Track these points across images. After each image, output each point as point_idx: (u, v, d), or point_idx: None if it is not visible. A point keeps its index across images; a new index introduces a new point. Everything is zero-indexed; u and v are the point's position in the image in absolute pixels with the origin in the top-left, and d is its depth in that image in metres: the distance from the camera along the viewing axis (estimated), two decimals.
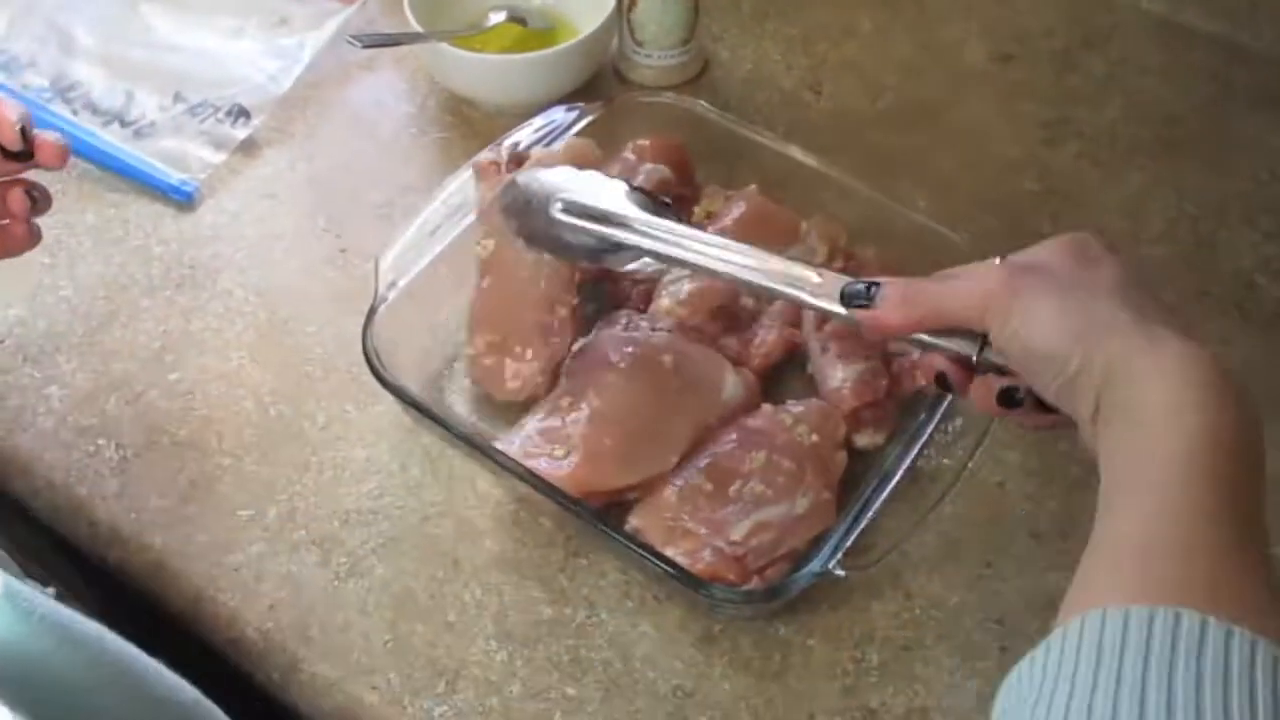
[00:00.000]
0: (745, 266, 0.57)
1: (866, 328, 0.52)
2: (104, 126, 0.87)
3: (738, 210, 0.76)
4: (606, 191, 0.65)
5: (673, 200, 0.78)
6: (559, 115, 0.79)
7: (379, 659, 0.62)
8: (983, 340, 0.49)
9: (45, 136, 0.60)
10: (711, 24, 0.96)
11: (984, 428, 0.64)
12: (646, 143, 0.79)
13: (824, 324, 0.70)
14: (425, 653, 0.62)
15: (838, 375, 0.68)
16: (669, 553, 0.61)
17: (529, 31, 0.91)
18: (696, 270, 0.61)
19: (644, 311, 0.73)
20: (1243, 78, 0.93)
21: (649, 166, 0.78)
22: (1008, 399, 0.50)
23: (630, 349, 0.68)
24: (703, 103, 0.80)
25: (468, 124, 0.89)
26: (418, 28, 0.85)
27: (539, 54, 0.85)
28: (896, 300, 0.50)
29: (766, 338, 0.70)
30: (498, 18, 0.90)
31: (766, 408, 0.68)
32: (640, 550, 0.60)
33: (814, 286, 0.54)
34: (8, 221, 0.62)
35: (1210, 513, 0.39)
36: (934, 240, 0.73)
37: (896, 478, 0.63)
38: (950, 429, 0.65)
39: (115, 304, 0.78)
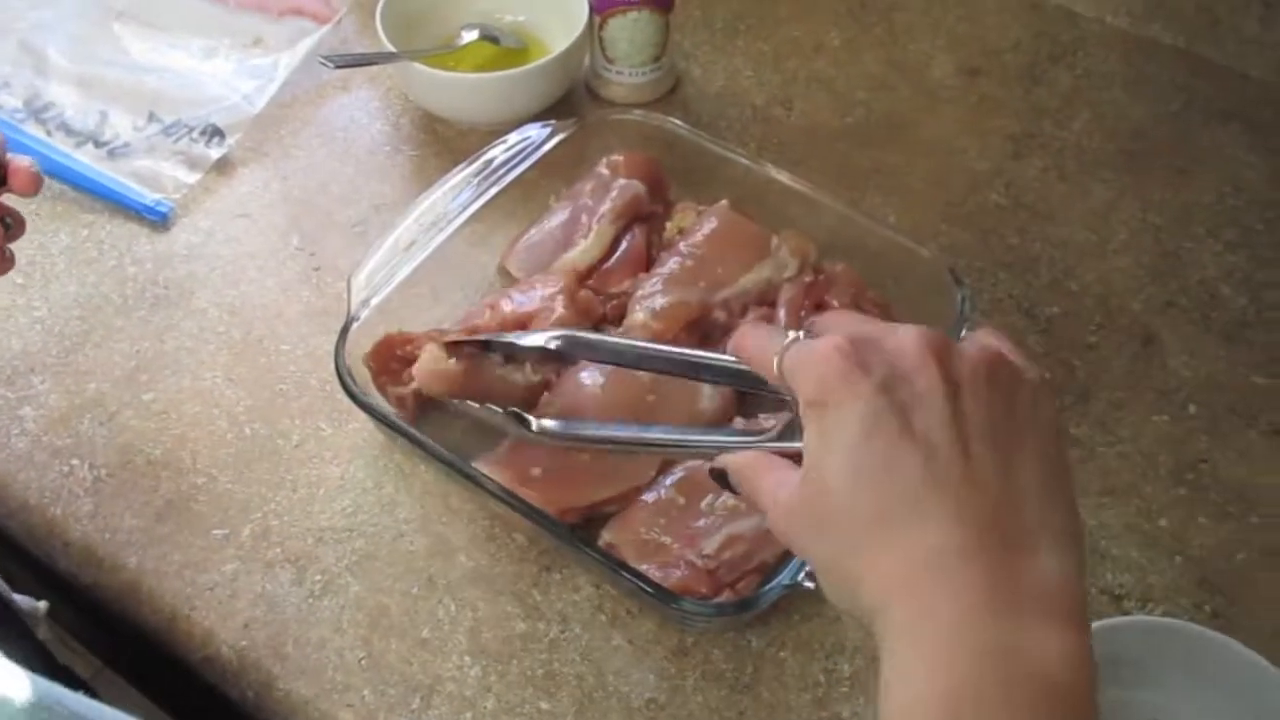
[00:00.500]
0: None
1: None
2: (78, 147, 0.87)
3: (709, 226, 0.77)
4: None
5: (645, 216, 0.79)
6: (532, 132, 0.79)
7: (354, 676, 0.62)
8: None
9: (19, 162, 0.60)
10: (683, 41, 0.97)
11: None
12: (620, 159, 0.80)
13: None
14: (400, 669, 0.63)
15: None
16: (642, 567, 0.62)
17: (501, 50, 0.91)
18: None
19: (618, 326, 0.73)
20: (1206, 91, 0.94)
21: (623, 182, 0.79)
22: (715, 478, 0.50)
23: (607, 369, 0.68)
24: (674, 120, 0.81)
25: (441, 142, 0.90)
26: (390, 47, 0.86)
27: (511, 72, 0.85)
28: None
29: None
30: (470, 36, 0.91)
31: (739, 421, 0.68)
32: (612, 565, 0.61)
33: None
34: None
35: None
36: (903, 254, 0.74)
37: None
38: None
39: (89, 324, 0.78)
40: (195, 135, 0.87)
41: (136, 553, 0.67)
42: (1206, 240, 0.84)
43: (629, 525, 0.64)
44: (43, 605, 0.71)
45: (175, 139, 0.87)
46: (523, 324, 0.70)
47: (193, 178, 0.85)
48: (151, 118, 0.88)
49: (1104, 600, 0.65)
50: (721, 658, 0.63)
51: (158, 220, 0.83)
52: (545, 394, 0.68)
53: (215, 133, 0.87)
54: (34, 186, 0.61)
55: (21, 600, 0.70)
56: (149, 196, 0.84)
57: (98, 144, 0.87)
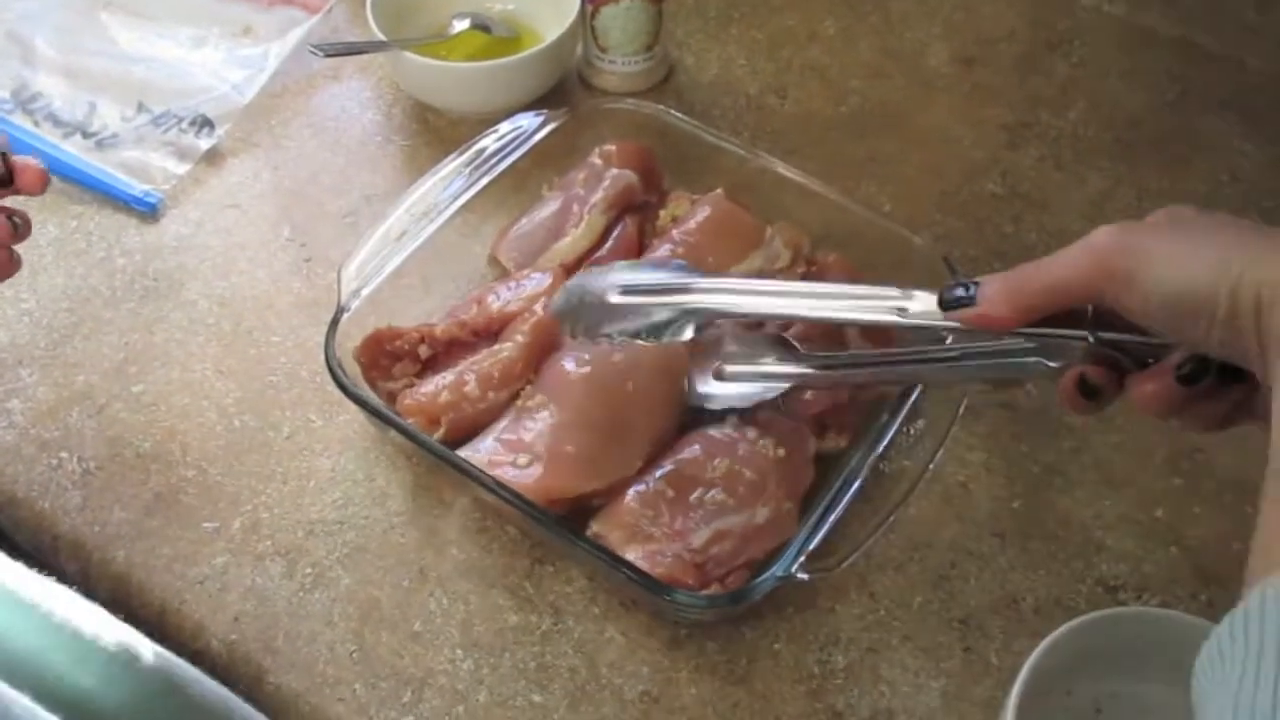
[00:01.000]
0: (829, 304, 0.54)
1: (976, 326, 0.47)
2: (66, 138, 0.86)
3: (702, 214, 0.76)
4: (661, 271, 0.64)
5: (638, 206, 0.78)
6: (524, 122, 0.79)
7: (345, 669, 0.62)
8: (1092, 323, 0.44)
9: (26, 161, 0.60)
10: (676, 29, 0.96)
11: (945, 428, 0.64)
12: (613, 148, 0.79)
13: (786, 329, 0.70)
14: (391, 662, 0.62)
15: None
16: (628, 556, 0.61)
17: (493, 39, 0.91)
18: (776, 318, 0.58)
19: None
20: (1202, 79, 0.94)
21: (615, 172, 0.78)
22: (1193, 375, 0.42)
23: (588, 355, 0.68)
24: (667, 108, 0.81)
25: (433, 131, 0.89)
26: (381, 36, 0.85)
27: (503, 61, 0.85)
28: (1001, 291, 0.46)
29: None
30: (461, 25, 0.90)
31: (731, 418, 0.68)
32: (606, 557, 0.60)
33: (911, 306, 0.50)
34: None
35: None
36: (897, 243, 0.74)
37: (859, 480, 0.63)
38: (912, 430, 0.66)
39: (78, 316, 0.77)
40: (184, 125, 0.87)
41: (125, 546, 0.67)
42: None
43: (617, 516, 0.64)
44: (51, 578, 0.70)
45: (164, 129, 0.86)
46: (507, 323, 0.70)
47: (182, 168, 0.85)
48: (140, 108, 0.88)
49: (1099, 591, 0.65)
50: (715, 650, 0.63)
51: (147, 211, 0.83)
52: (528, 385, 0.68)
53: (205, 123, 0.87)
54: (41, 185, 0.61)
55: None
56: (138, 187, 0.83)
57: (86, 135, 0.86)
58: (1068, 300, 0.44)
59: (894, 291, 0.51)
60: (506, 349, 0.68)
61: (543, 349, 0.69)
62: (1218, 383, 0.43)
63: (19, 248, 0.63)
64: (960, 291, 0.47)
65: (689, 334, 0.59)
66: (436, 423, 0.66)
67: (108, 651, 0.57)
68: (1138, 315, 0.42)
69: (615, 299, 0.62)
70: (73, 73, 0.89)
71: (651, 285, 0.61)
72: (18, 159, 0.60)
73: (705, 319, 0.59)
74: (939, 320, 0.49)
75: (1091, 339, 0.45)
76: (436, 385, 0.67)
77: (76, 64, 0.90)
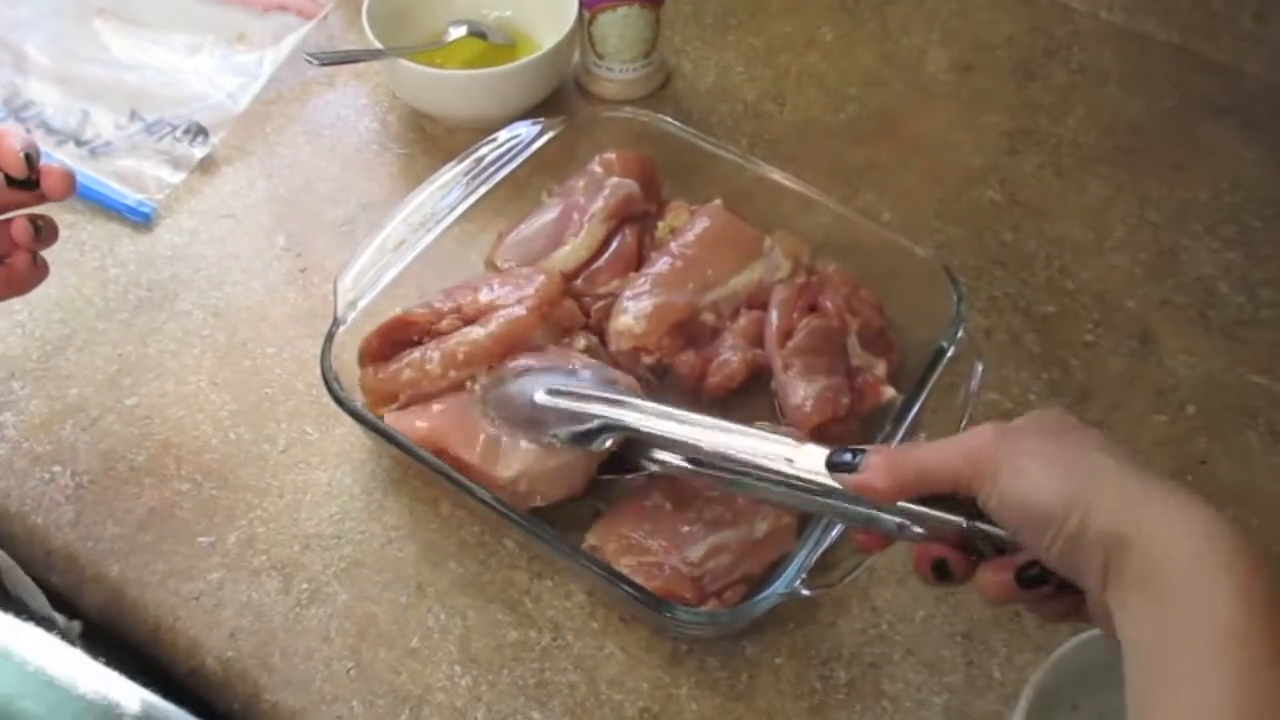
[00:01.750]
0: (727, 440, 0.56)
1: (853, 493, 0.50)
2: (59, 146, 0.85)
3: (701, 226, 0.76)
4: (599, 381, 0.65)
5: (638, 216, 0.78)
6: (522, 130, 0.78)
7: (342, 687, 0.61)
8: (972, 512, 0.47)
9: (50, 166, 0.59)
10: (674, 36, 0.96)
11: None
12: (614, 156, 0.79)
13: (786, 341, 0.70)
14: (389, 679, 0.62)
15: (800, 392, 0.67)
16: (624, 568, 0.60)
17: (490, 46, 0.90)
18: (675, 446, 0.60)
19: (602, 329, 0.72)
20: (1201, 86, 0.93)
21: (616, 180, 0.77)
22: (1029, 578, 0.45)
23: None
24: (664, 117, 0.80)
25: (429, 140, 0.88)
26: (377, 44, 0.84)
27: (500, 69, 0.84)
28: (882, 465, 0.48)
29: (730, 359, 0.70)
30: (458, 33, 0.89)
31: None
32: (606, 573, 0.60)
33: (798, 458, 0.53)
34: (10, 258, 0.61)
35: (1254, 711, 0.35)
36: (897, 252, 0.73)
37: None
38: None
39: (71, 327, 0.76)
40: (178, 134, 0.86)
41: (119, 561, 0.66)
42: (1204, 237, 0.83)
43: (614, 528, 0.63)
44: (76, 625, 0.68)
45: (158, 138, 0.86)
46: (480, 315, 0.69)
47: (176, 177, 0.84)
48: (134, 116, 0.87)
49: None
50: (716, 665, 0.62)
51: (141, 221, 0.82)
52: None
53: (199, 131, 0.86)
54: (67, 190, 0.60)
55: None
56: (131, 197, 0.82)
57: (79, 143, 0.85)
58: (939, 487, 0.47)
59: (788, 442, 0.54)
60: (477, 333, 0.67)
61: (516, 345, 0.68)
62: (1056, 589, 0.45)
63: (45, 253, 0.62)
64: (847, 457, 0.49)
65: (608, 444, 0.62)
66: (394, 397, 0.66)
67: (86, 700, 0.52)
68: (993, 514, 0.45)
69: (541, 399, 0.63)
70: (65, 80, 0.89)
71: (576, 393, 0.63)
72: (44, 164, 0.59)
73: (621, 435, 0.61)
74: (821, 477, 0.51)
75: (965, 524, 0.47)
76: (399, 362, 0.67)
77: (69, 71, 0.89)
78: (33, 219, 0.60)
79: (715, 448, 0.57)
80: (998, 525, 0.46)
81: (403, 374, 0.66)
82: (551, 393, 0.64)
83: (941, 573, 0.48)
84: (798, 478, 0.52)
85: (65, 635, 0.66)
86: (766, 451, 0.54)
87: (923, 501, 0.48)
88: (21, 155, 0.58)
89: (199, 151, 0.85)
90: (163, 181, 0.84)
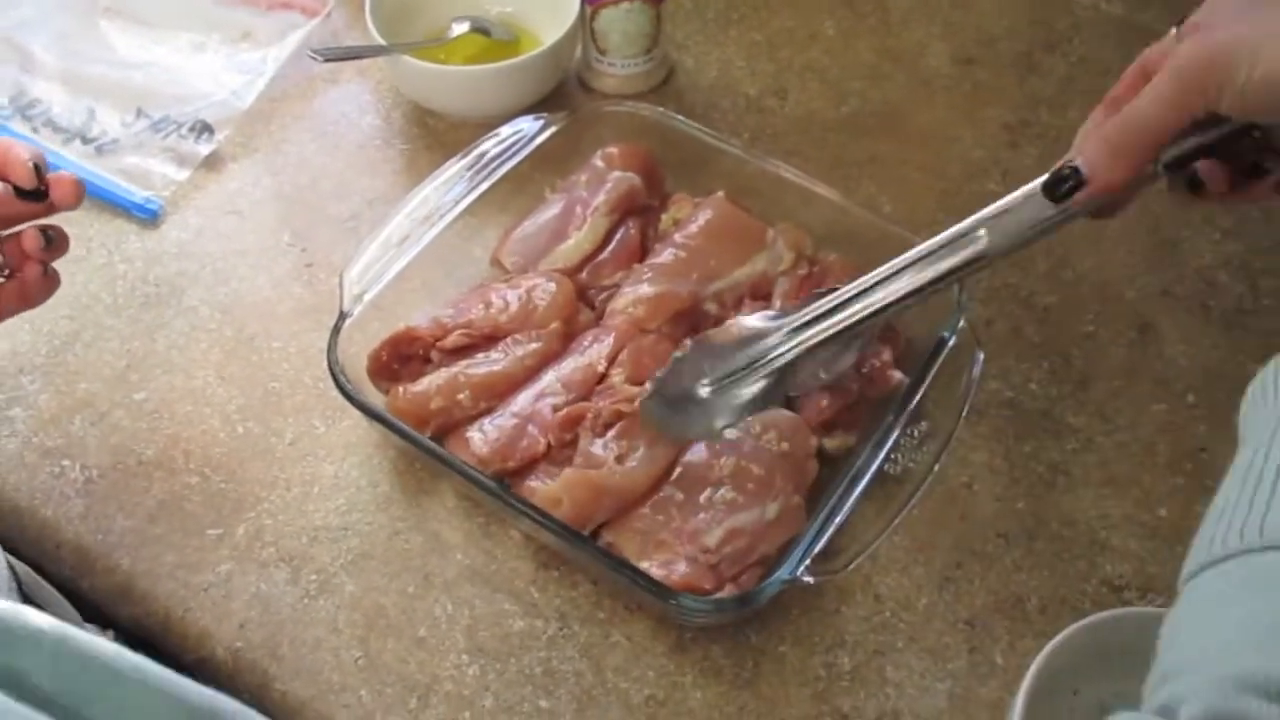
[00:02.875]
0: (915, 268, 0.56)
1: (1097, 201, 0.46)
2: (65, 144, 0.86)
3: (704, 217, 0.76)
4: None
5: (640, 209, 0.78)
6: (524, 125, 0.79)
7: (350, 676, 0.62)
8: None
9: (59, 175, 0.59)
10: (675, 31, 0.96)
11: (950, 429, 0.64)
12: (616, 150, 0.79)
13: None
14: (397, 669, 0.62)
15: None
16: (644, 565, 0.61)
17: (492, 42, 0.90)
18: (873, 320, 0.60)
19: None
20: None
21: (618, 174, 0.78)
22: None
23: None
24: (667, 111, 0.81)
25: (433, 135, 0.89)
26: (380, 40, 0.85)
27: (502, 65, 0.85)
28: (1106, 155, 0.45)
29: None
30: (460, 29, 0.90)
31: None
32: (611, 562, 0.60)
33: (993, 225, 0.51)
34: (21, 270, 0.60)
35: None
36: (898, 245, 0.73)
37: (865, 481, 0.63)
38: (916, 432, 0.65)
39: (79, 323, 0.77)
40: (184, 131, 0.87)
41: (129, 554, 0.66)
42: (1203, 228, 0.83)
43: (629, 524, 0.64)
44: (110, 636, 0.68)
45: (164, 135, 0.86)
46: (511, 331, 0.70)
47: (182, 174, 0.85)
48: (139, 114, 0.87)
49: (1104, 591, 0.65)
50: (720, 654, 0.63)
51: (147, 218, 0.83)
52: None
53: (204, 128, 0.87)
54: (76, 198, 0.60)
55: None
56: (138, 194, 0.83)
57: (85, 141, 0.86)
58: (1171, 134, 0.44)
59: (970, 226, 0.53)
60: (507, 363, 0.68)
61: (544, 366, 0.69)
62: None
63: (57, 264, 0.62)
64: (1063, 174, 0.47)
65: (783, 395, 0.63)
66: (425, 423, 0.66)
67: None
68: (1249, 98, 0.42)
69: (706, 395, 0.64)
70: (71, 79, 0.89)
71: (734, 368, 0.63)
72: (51, 174, 0.59)
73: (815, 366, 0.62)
74: (1051, 212, 0.49)
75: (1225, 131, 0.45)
76: (428, 386, 0.67)
77: (75, 70, 0.90)
78: (43, 229, 0.60)
79: (912, 287, 0.57)
80: (1262, 108, 0.42)
81: (433, 401, 0.67)
82: (713, 385, 0.64)
83: (1194, 185, 0.46)
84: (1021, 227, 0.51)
85: None
86: (962, 246, 0.54)
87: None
88: (30, 165, 0.58)
89: (204, 149, 0.86)
90: (168, 178, 0.84)
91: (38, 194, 0.59)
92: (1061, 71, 0.94)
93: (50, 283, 0.62)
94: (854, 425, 0.69)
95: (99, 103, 0.88)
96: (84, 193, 0.60)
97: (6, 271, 0.61)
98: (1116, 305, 0.79)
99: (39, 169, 0.58)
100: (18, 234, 0.60)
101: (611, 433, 0.65)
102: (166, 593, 0.65)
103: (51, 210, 0.60)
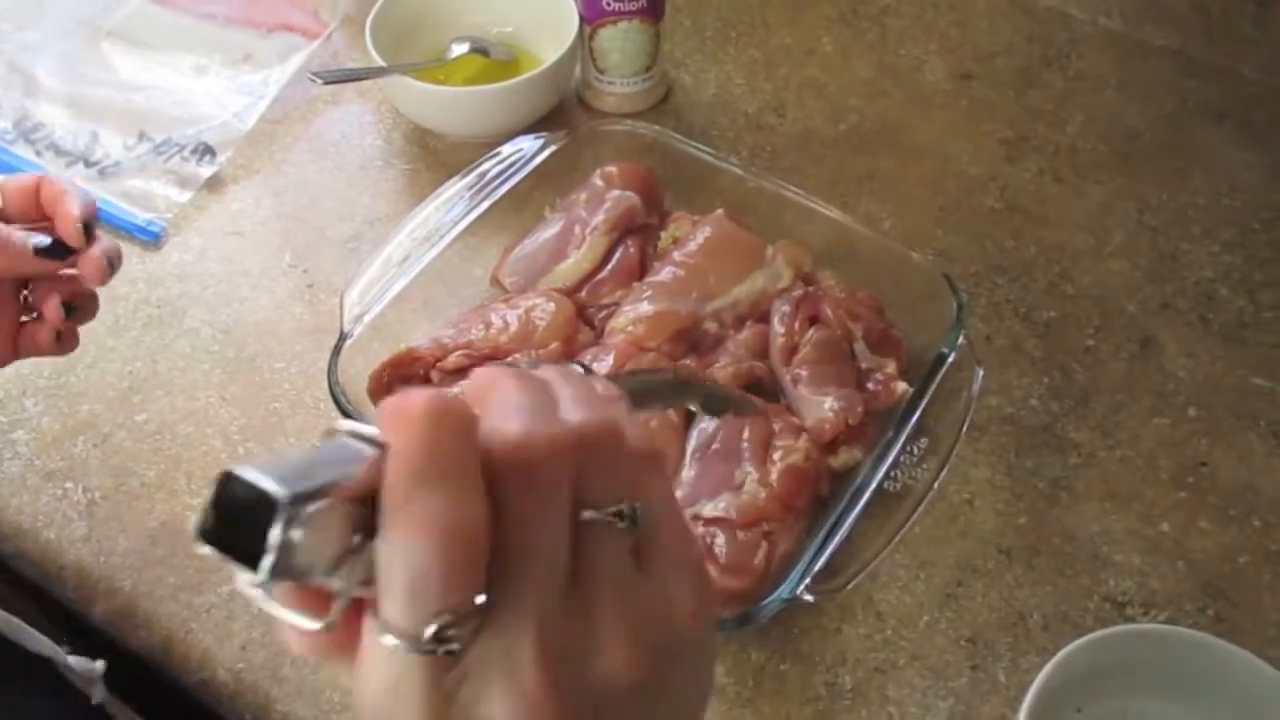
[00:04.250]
0: None
1: None
2: (68, 167, 0.87)
3: (703, 235, 0.76)
4: None
5: (640, 228, 0.78)
6: (524, 145, 0.79)
7: (351, 698, 0.62)
8: None
9: (93, 252, 0.56)
10: (674, 50, 0.97)
11: (950, 445, 0.64)
12: (615, 169, 0.79)
13: (792, 356, 0.70)
14: None
15: (814, 412, 0.67)
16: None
17: (492, 62, 0.91)
18: None
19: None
20: (1199, 91, 0.94)
21: (617, 193, 0.78)
22: None
23: None
24: (666, 129, 0.81)
25: (433, 155, 0.89)
26: (380, 62, 0.85)
27: (502, 85, 0.85)
28: None
29: (726, 368, 0.70)
30: (460, 49, 0.91)
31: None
32: None
33: None
34: (38, 321, 0.58)
35: None
36: (898, 261, 0.74)
37: (866, 496, 0.63)
38: (916, 448, 0.65)
39: (81, 345, 0.76)
40: (186, 153, 0.87)
41: (131, 575, 0.67)
42: (1203, 241, 0.84)
43: None
44: (99, 665, 0.66)
45: (166, 158, 0.87)
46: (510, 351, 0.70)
47: (184, 196, 0.85)
48: (142, 137, 0.88)
49: (1107, 607, 0.65)
50: (721, 672, 0.63)
51: (150, 240, 0.83)
52: None
53: (206, 150, 0.87)
54: (102, 278, 0.57)
55: (76, 662, 0.67)
56: (141, 216, 0.84)
57: (88, 164, 0.87)
58: None
59: None
60: None
61: None
62: None
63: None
64: None
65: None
66: None
67: None
68: None
69: None
70: (74, 102, 0.90)
71: None
72: (91, 250, 0.56)
73: None
74: None
75: None
76: None
77: (78, 93, 0.90)
78: (68, 299, 0.57)
79: None
80: None
81: None
82: None
83: None
84: None
85: (84, 679, 0.66)
86: None
87: None
88: (79, 226, 0.55)
89: (206, 170, 0.86)
90: (171, 200, 0.85)
91: (60, 250, 0.55)
92: (1059, 86, 0.95)
93: (65, 344, 0.59)
94: (860, 439, 0.69)
95: (101, 126, 0.89)
96: (113, 271, 0.57)
97: (35, 314, 0.59)
98: (1117, 319, 0.79)
99: (88, 229, 0.55)
100: (44, 293, 0.57)
101: None
102: (169, 614, 0.65)
103: (64, 265, 0.57)
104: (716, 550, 0.62)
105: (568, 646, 0.28)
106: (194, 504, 0.69)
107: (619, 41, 0.88)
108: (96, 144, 0.88)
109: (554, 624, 0.28)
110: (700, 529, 0.62)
